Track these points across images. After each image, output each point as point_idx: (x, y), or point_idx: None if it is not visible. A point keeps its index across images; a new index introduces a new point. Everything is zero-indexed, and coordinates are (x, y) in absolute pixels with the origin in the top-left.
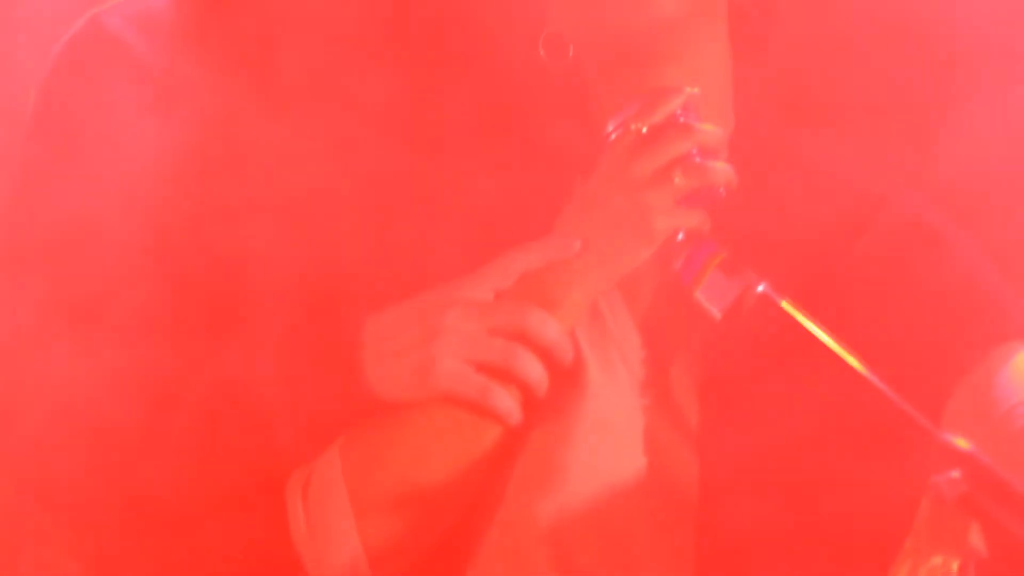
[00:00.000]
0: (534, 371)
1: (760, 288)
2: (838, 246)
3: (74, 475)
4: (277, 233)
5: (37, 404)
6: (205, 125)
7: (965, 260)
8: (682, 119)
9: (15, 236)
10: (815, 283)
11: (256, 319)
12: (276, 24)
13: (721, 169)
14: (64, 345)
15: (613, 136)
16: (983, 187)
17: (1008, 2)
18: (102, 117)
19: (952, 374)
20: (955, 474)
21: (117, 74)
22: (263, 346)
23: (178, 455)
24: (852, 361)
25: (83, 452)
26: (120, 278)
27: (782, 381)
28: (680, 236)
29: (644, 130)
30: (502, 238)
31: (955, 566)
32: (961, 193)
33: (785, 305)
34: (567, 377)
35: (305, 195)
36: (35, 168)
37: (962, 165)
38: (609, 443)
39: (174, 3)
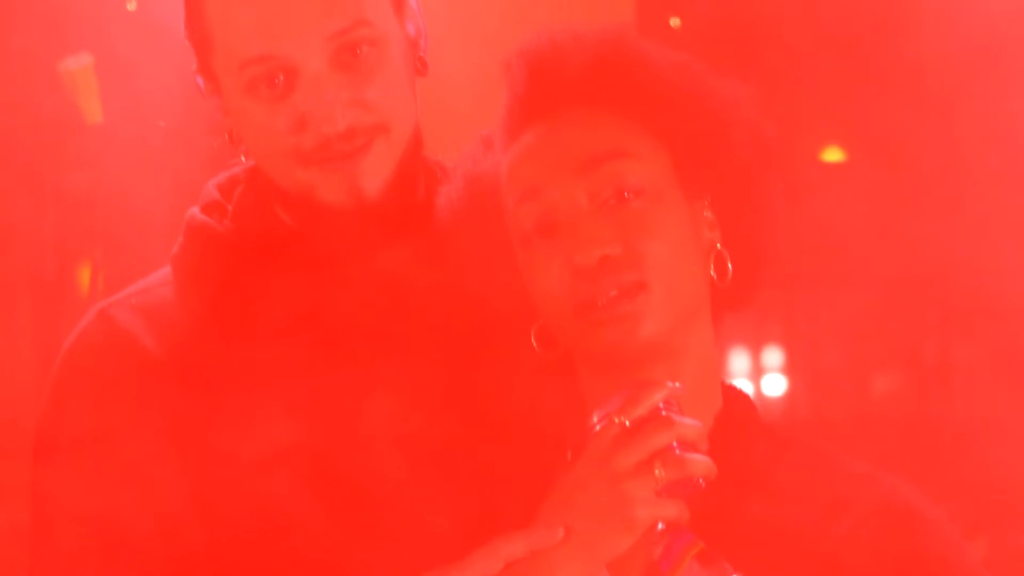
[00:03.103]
0: None
1: None
2: (821, 526)
3: None
4: (283, 533)
5: None
6: (213, 415)
7: (942, 540)
8: (664, 412)
9: (41, 541)
10: (799, 565)
11: None
12: (280, 313)
13: (700, 461)
14: None
15: (598, 427)
16: None
17: None
18: (111, 413)
19: None
20: None
21: (125, 369)
22: None
23: None
24: None
25: None
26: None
27: None
28: (660, 526)
29: (627, 423)
30: (486, 521)
31: None
32: None
33: None
34: None
35: (311, 493)
36: (50, 475)
37: None
38: None
39: (179, 293)
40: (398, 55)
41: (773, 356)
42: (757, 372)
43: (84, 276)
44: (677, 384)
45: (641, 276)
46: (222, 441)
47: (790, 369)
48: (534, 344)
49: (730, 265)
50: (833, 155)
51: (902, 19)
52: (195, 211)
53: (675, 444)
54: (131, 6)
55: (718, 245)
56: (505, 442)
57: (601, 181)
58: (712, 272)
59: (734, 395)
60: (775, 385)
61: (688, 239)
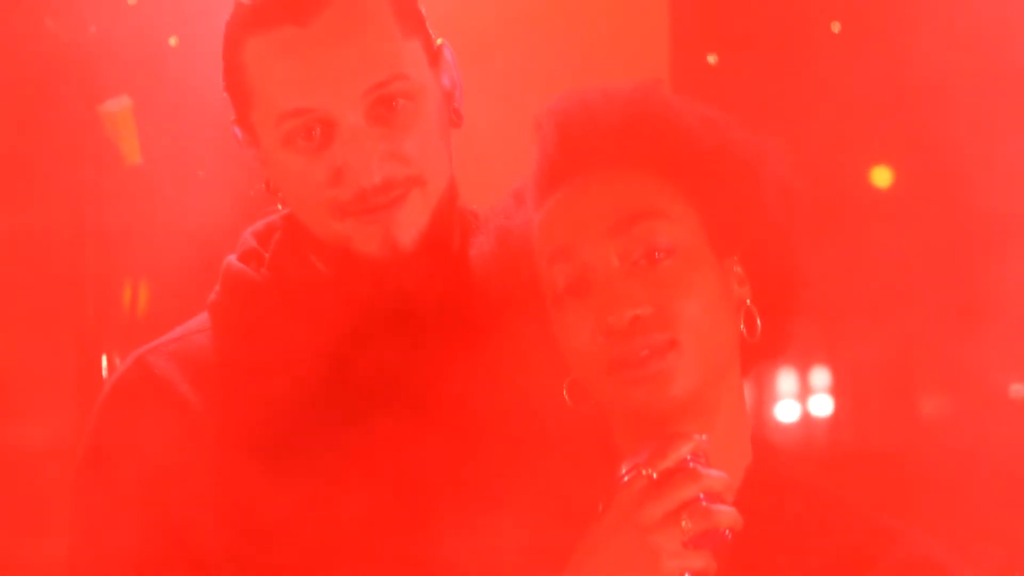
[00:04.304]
0: None
1: None
2: None
3: None
4: (315, 557)
5: None
6: (250, 463)
7: None
8: (691, 464)
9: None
10: None
11: None
12: (316, 361)
13: (727, 513)
14: None
15: (626, 478)
16: None
17: None
18: (147, 461)
19: None
20: None
21: (162, 417)
22: None
23: None
24: None
25: None
26: None
27: None
28: None
29: (655, 475)
30: (520, 571)
31: None
32: None
33: None
34: None
35: (347, 543)
36: (87, 520)
37: None
38: None
39: (216, 340)
40: (433, 108)
41: (819, 377)
42: (804, 392)
43: (122, 314)
44: (704, 437)
45: (672, 335)
46: (258, 489)
47: (836, 391)
48: (566, 397)
49: (759, 321)
50: (881, 177)
51: (937, 46)
52: (232, 259)
53: (702, 496)
54: (173, 41)
55: (748, 301)
56: (537, 493)
57: (632, 242)
58: (742, 327)
59: (764, 449)
60: (821, 406)
61: (718, 296)
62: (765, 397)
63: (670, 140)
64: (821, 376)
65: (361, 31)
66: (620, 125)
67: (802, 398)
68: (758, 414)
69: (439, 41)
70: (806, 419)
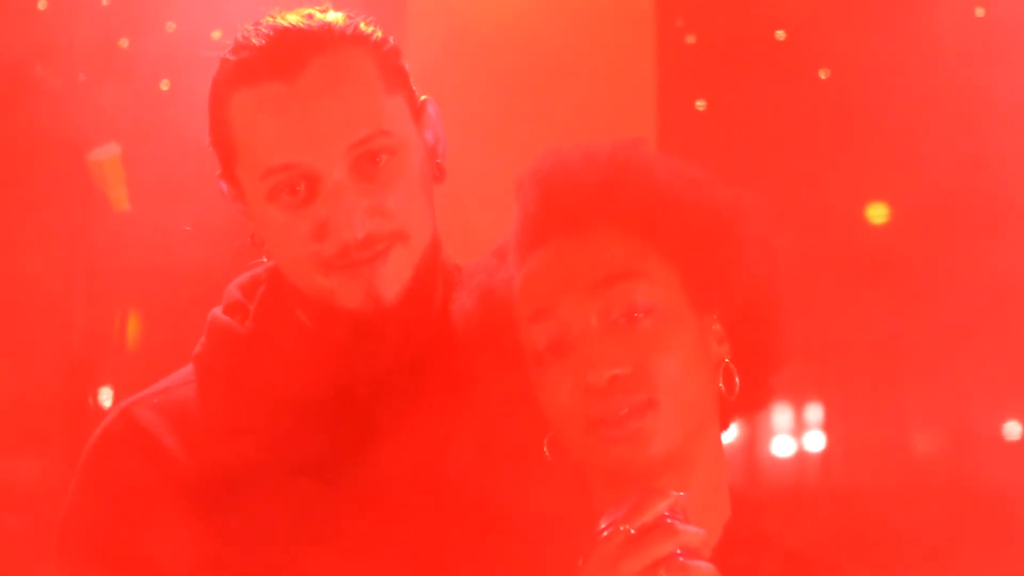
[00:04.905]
0: None
1: None
2: None
3: None
4: None
5: None
6: (233, 515)
7: None
8: (669, 520)
9: None
10: None
11: None
12: (300, 413)
13: (703, 568)
14: None
15: (604, 533)
16: None
17: None
18: (131, 513)
19: None
20: None
21: (146, 470)
22: None
23: None
24: None
25: None
26: None
27: None
28: None
29: (632, 530)
30: None
31: None
32: None
33: None
34: None
35: None
36: (70, 571)
37: None
38: None
39: (201, 392)
40: (417, 163)
41: (814, 413)
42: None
43: (109, 350)
44: (681, 493)
45: (651, 394)
46: (241, 542)
47: (828, 428)
48: (546, 453)
49: (737, 379)
50: (877, 213)
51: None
52: (217, 311)
53: (679, 551)
54: (164, 86)
55: (726, 359)
56: (518, 548)
57: (611, 302)
58: (721, 385)
59: (743, 505)
60: (816, 442)
61: (697, 355)
62: (757, 433)
63: (650, 200)
64: (814, 414)
65: (345, 88)
66: (600, 185)
67: (795, 435)
68: (749, 450)
69: (423, 97)
70: (798, 456)
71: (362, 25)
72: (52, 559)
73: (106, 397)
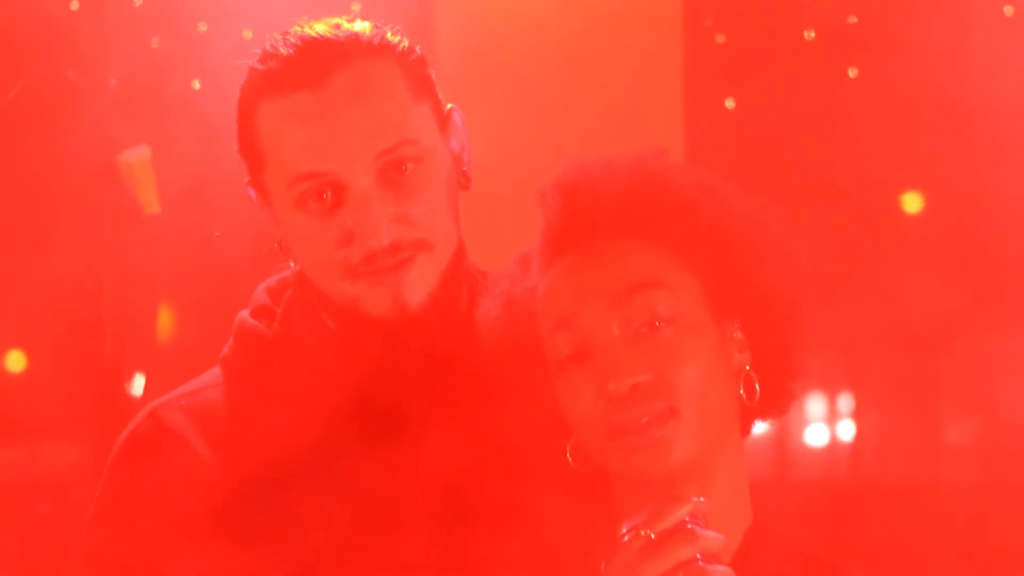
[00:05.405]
0: None
1: None
2: None
3: None
4: None
5: None
6: (260, 517)
7: None
8: (689, 525)
9: None
10: None
11: None
12: (326, 417)
13: (723, 573)
14: None
15: (626, 538)
16: None
17: None
18: (159, 515)
19: None
20: None
21: (174, 471)
22: None
23: None
24: None
25: None
26: None
27: None
28: None
29: (653, 535)
30: None
31: None
32: None
33: None
34: None
35: None
36: (99, 571)
37: None
38: None
39: (228, 395)
40: (442, 171)
41: (845, 402)
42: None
43: (140, 346)
44: (702, 499)
45: (672, 403)
46: (269, 544)
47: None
48: (569, 458)
49: (758, 386)
50: (912, 203)
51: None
52: (245, 314)
53: (698, 556)
54: (196, 85)
55: (747, 367)
56: (541, 553)
57: (633, 311)
58: (742, 392)
59: (764, 511)
60: (847, 431)
61: (718, 363)
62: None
63: (671, 210)
64: (846, 403)
65: (372, 97)
66: (622, 195)
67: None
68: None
69: (449, 106)
70: (831, 446)
71: (389, 35)
72: (79, 558)
73: (135, 391)
